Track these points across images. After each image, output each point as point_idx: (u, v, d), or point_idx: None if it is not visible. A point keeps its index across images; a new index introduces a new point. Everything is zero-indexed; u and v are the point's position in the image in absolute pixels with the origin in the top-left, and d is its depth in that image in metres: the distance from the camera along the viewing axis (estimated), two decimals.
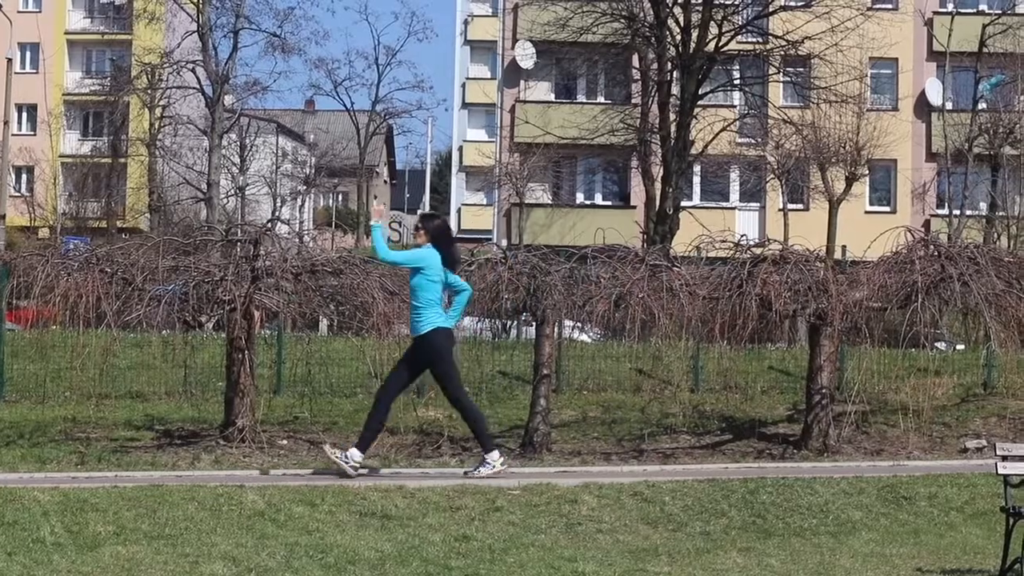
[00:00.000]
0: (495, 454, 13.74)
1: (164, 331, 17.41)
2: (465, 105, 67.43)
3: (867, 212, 50.83)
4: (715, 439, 17.14)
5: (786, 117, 43.96)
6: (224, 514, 11.72)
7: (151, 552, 10.47)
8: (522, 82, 54.21)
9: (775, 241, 17.70)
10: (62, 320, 16.43)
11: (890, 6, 50.53)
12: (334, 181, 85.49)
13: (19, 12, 65.43)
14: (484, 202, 63.21)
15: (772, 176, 49.61)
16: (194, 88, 56.41)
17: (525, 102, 53.64)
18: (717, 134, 40.76)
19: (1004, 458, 10.25)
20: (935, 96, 51.90)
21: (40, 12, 69.81)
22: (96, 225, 62.32)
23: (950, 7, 51.13)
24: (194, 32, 54.59)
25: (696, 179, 51.88)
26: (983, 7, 52.97)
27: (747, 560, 10.77)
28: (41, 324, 20.58)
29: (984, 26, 48.00)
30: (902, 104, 52.50)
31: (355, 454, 13.65)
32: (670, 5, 38.65)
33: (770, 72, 43.67)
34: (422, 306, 13.48)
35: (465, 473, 13.80)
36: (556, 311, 16.24)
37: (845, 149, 46.42)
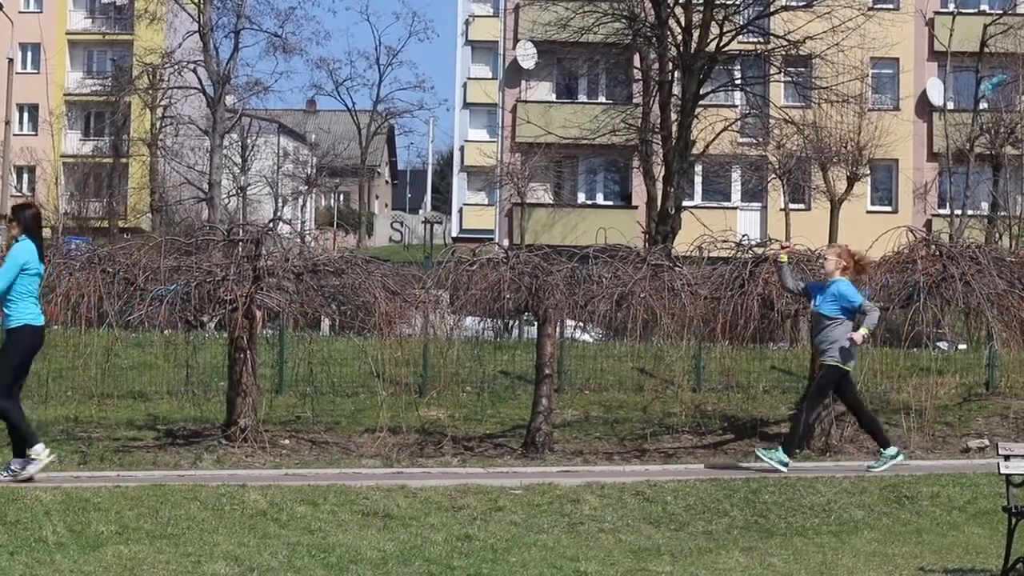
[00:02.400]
0: (36, 461, 12.99)
1: (166, 331, 17.43)
2: (466, 105, 67.41)
3: (868, 212, 50.82)
4: (717, 439, 17.15)
5: (787, 117, 43.96)
6: (226, 514, 11.71)
7: (153, 551, 10.46)
8: (523, 82, 54.22)
9: (777, 241, 17.71)
10: (64, 320, 16.44)
11: (891, 6, 50.52)
12: (336, 181, 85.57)
13: (20, 12, 65.48)
14: (486, 202, 63.22)
15: (773, 176, 49.62)
16: (195, 88, 56.41)
17: (526, 102, 53.64)
18: (718, 134, 40.76)
19: (1006, 458, 10.25)
20: (936, 96, 51.91)
21: (41, 12, 69.87)
22: (98, 225, 62.38)
23: (951, 7, 51.11)
24: (195, 32, 54.60)
25: (698, 179, 51.89)
26: (984, 7, 52.97)
27: (749, 560, 10.76)
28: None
29: (985, 26, 48.01)
30: (903, 104, 52.50)
31: (30, 467, 12.99)
32: (671, 5, 38.65)
33: (771, 72, 43.67)
34: (15, 300, 12.94)
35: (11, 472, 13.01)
36: (558, 311, 16.24)
37: (846, 149, 46.43)
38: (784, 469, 14.08)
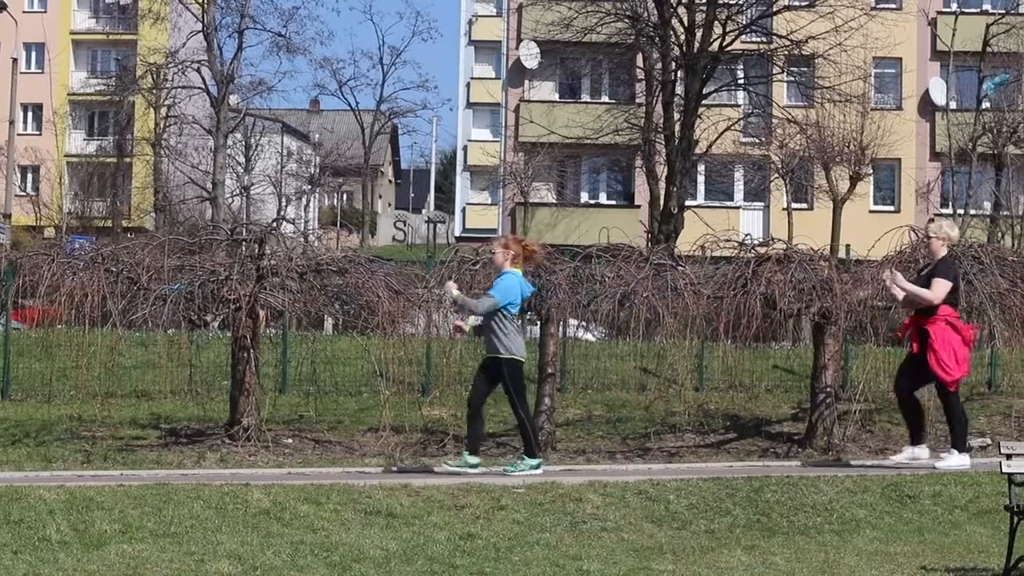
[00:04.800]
0: None
1: (169, 330, 17.45)
2: (470, 105, 67.36)
3: (871, 211, 50.82)
4: (720, 438, 17.17)
5: (790, 117, 43.96)
6: (229, 512, 11.73)
7: (157, 550, 10.48)
8: (526, 82, 54.22)
9: (779, 240, 17.72)
10: (68, 319, 16.47)
11: (894, 6, 50.49)
12: (339, 181, 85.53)
13: (24, 12, 65.45)
14: (489, 201, 63.22)
15: (776, 175, 49.61)
16: (199, 88, 56.43)
17: (529, 102, 53.65)
18: (721, 133, 40.76)
19: (1008, 456, 10.25)
20: (939, 95, 51.87)
21: (45, 12, 69.84)
22: (101, 224, 62.38)
23: (954, 6, 51.07)
24: (199, 32, 54.64)
25: (700, 178, 51.86)
26: (987, 6, 52.91)
27: (752, 558, 10.77)
28: (47, 323, 20.64)
29: (988, 25, 47.92)
30: (906, 103, 52.52)
31: None
32: (674, 5, 38.64)
33: (774, 72, 43.67)
34: None
35: None
36: (561, 310, 16.25)
37: (849, 148, 46.39)
38: (474, 471, 13.68)
